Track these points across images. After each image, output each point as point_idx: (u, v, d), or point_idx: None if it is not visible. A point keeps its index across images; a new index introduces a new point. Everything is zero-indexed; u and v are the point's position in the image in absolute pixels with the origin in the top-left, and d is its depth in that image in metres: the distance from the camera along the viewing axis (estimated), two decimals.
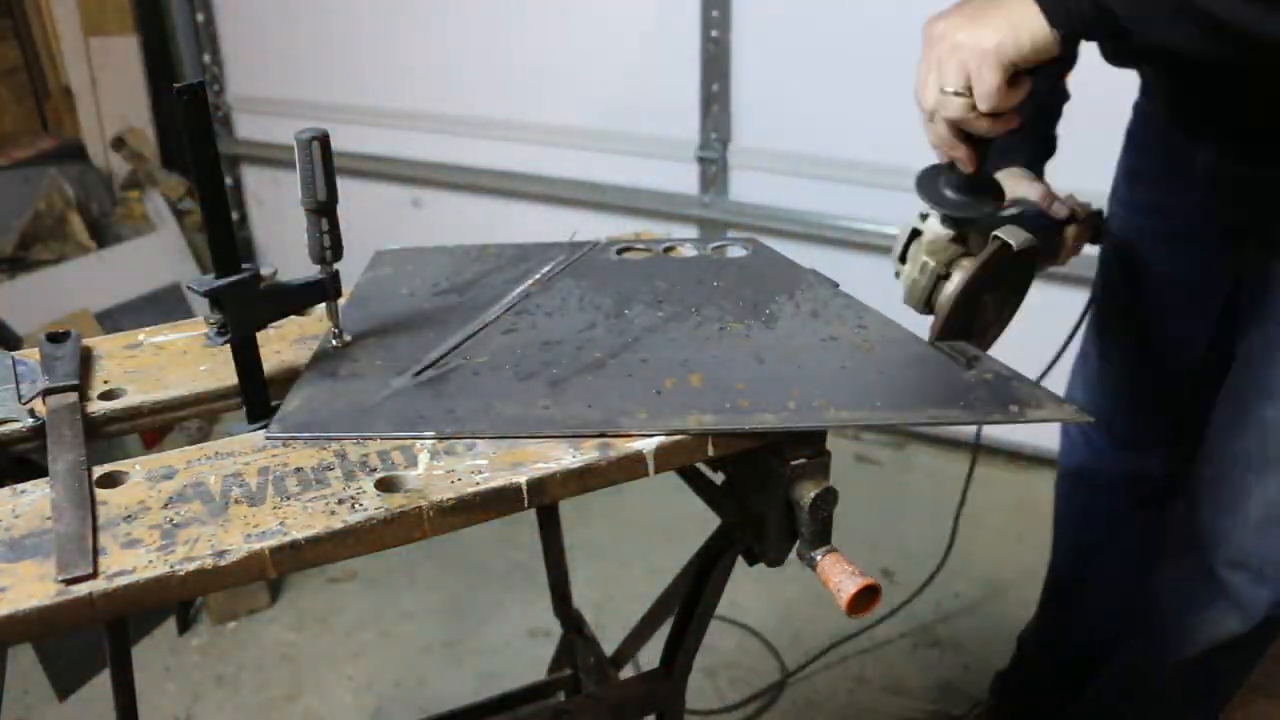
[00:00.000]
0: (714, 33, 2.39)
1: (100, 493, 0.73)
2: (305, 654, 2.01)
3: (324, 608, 2.12)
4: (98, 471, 0.75)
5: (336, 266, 0.89)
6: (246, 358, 0.84)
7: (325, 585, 2.18)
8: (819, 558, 0.80)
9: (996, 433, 2.54)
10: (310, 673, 1.96)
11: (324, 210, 0.86)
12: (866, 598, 0.76)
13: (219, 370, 0.92)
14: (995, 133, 0.93)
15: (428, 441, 0.79)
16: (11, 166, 2.86)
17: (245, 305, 0.82)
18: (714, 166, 2.54)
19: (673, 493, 1.19)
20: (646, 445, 0.78)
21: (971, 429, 2.49)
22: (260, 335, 0.85)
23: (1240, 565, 1.24)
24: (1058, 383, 1.37)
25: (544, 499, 0.76)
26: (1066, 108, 1.30)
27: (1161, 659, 1.36)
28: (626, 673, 1.32)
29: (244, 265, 0.82)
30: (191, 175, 0.78)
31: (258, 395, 0.85)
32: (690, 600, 1.07)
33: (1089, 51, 1.12)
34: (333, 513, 0.70)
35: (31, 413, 0.84)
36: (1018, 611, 2.07)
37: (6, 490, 0.74)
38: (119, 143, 3.13)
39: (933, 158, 1.05)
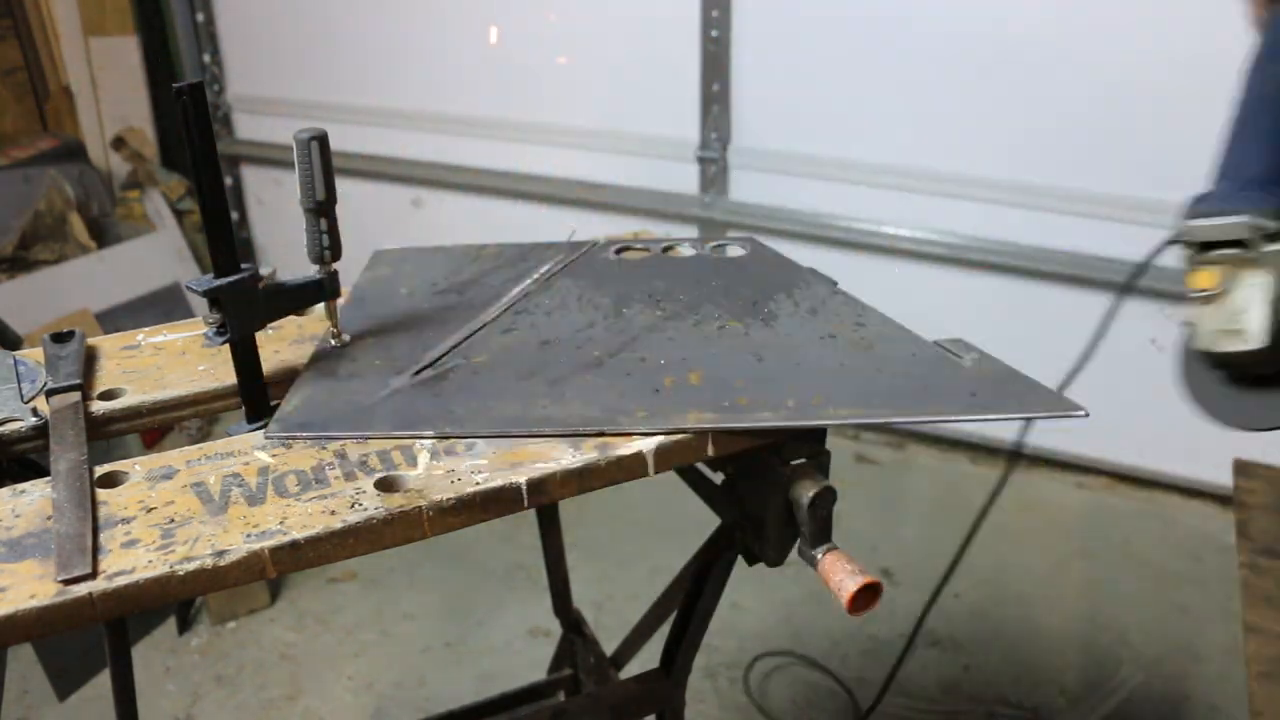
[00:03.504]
0: (714, 33, 2.39)
1: (100, 493, 0.73)
2: (305, 654, 2.01)
3: (324, 608, 2.12)
4: (98, 471, 0.75)
5: (335, 266, 0.90)
6: (246, 358, 0.84)
7: (325, 585, 2.18)
8: (820, 556, 0.80)
9: (996, 431, 2.54)
10: (310, 673, 1.96)
11: (323, 210, 0.86)
12: (868, 596, 0.76)
13: (218, 370, 0.92)
14: None
15: (428, 441, 0.79)
16: (11, 166, 2.86)
17: (244, 305, 0.82)
18: (714, 166, 2.54)
19: (673, 493, 1.19)
20: (646, 445, 0.78)
21: (987, 430, 2.49)
22: (259, 335, 0.85)
23: None
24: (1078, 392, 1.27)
25: (544, 499, 0.76)
26: None
27: None
28: (627, 673, 1.32)
29: (243, 265, 0.82)
30: (191, 175, 0.78)
31: (257, 395, 0.85)
32: (690, 600, 1.07)
33: None
34: (333, 513, 0.70)
35: (34, 412, 0.84)
36: (1018, 611, 2.07)
37: (7, 490, 0.74)
38: (119, 143, 3.13)
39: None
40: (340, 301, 0.92)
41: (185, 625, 2.07)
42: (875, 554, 2.22)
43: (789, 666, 1.94)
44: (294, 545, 0.68)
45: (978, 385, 0.84)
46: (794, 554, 0.86)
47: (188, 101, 0.75)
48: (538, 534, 1.44)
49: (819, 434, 0.83)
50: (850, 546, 0.82)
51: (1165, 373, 2.55)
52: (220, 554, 0.66)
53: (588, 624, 1.49)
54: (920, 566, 2.16)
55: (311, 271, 0.89)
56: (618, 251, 1.16)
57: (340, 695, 1.90)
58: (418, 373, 0.89)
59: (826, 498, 0.80)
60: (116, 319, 2.79)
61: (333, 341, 0.94)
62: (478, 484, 0.73)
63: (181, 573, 0.65)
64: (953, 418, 0.80)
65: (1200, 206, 0.80)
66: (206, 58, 3.08)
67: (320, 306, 0.92)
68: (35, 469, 0.85)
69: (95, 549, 0.66)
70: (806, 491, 0.80)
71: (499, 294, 1.05)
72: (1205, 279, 0.79)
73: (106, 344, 0.98)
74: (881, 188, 2.38)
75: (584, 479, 0.76)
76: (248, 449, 0.78)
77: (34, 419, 0.84)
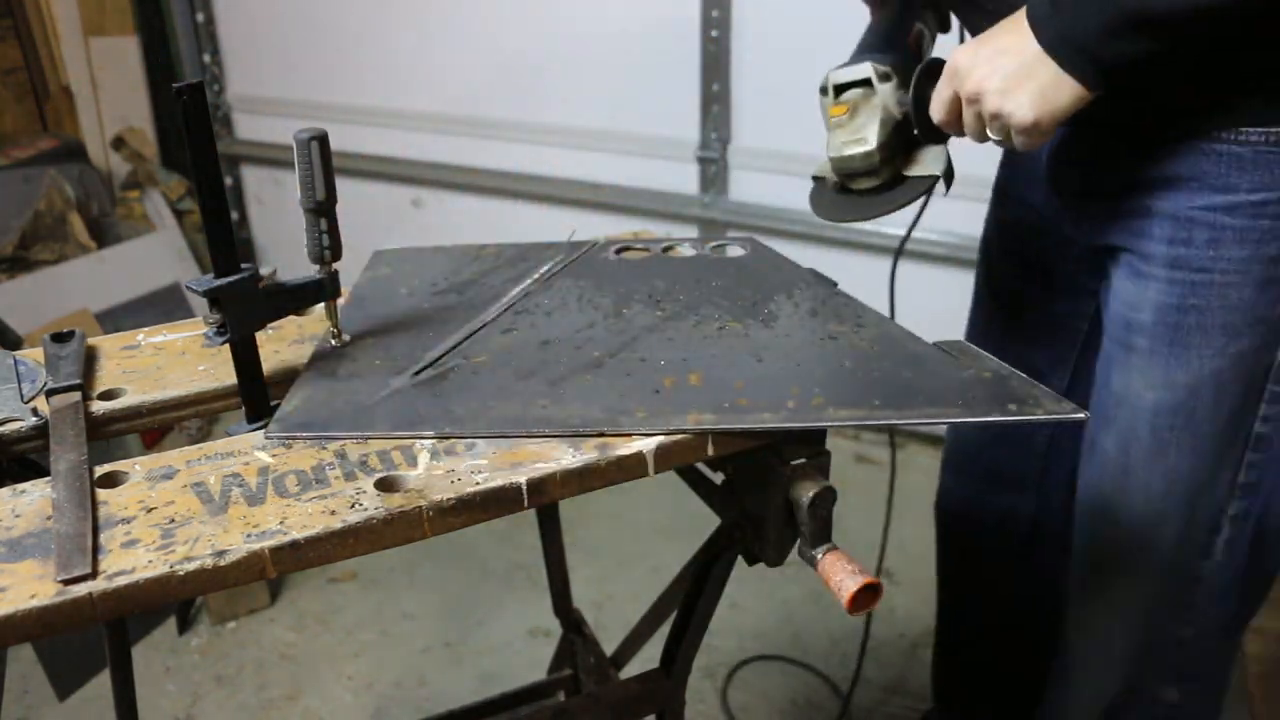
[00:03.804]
0: (714, 33, 2.39)
1: (100, 493, 0.73)
2: (305, 654, 2.01)
3: (324, 608, 2.12)
4: (98, 471, 0.75)
5: (336, 266, 0.90)
6: (246, 358, 0.84)
7: (325, 585, 2.18)
8: (820, 556, 0.80)
9: None
10: (310, 673, 1.96)
11: (323, 210, 0.86)
12: (868, 596, 0.76)
13: (218, 370, 0.92)
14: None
15: (428, 441, 0.79)
16: (11, 166, 2.86)
17: (244, 305, 0.82)
18: (714, 166, 2.54)
19: (673, 493, 1.19)
20: (646, 445, 0.78)
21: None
22: (259, 335, 0.85)
23: (1085, 630, 1.24)
24: None
25: (544, 499, 0.76)
26: None
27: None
28: (627, 673, 1.32)
29: (243, 265, 0.82)
30: (191, 175, 0.78)
31: (257, 395, 0.85)
32: (690, 600, 1.07)
33: None
34: (333, 513, 0.70)
35: (34, 412, 0.84)
36: None
37: (7, 490, 0.74)
38: (119, 143, 3.13)
39: None
40: (340, 301, 0.92)
41: (185, 625, 2.07)
42: (875, 554, 2.22)
43: (782, 667, 1.94)
44: (294, 545, 0.68)
45: (977, 386, 0.84)
46: (794, 554, 0.86)
47: (188, 101, 0.75)
48: (538, 534, 1.44)
49: (819, 435, 0.83)
50: (850, 546, 0.82)
51: None
52: (220, 554, 0.66)
53: (588, 624, 1.49)
54: (920, 566, 2.16)
55: (311, 271, 0.89)
56: (618, 251, 1.16)
57: (340, 695, 1.90)
58: (418, 373, 0.89)
59: (826, 498, 0.80)
60: (116, 319, 2.79)
61: (333, 341, 0.94)
62: (478, 484, 0.73)
63: (181, 573, 0.65)
64: (953, 419, 0.81)
65: (838, 66, 1.10)
66: (206, 58, 3.08)
67: (320, 306, 0.92)
68: (35, 469, 0.85)
69: (95, 549, 0.66)
70: (806, 492, 0.80)
71: (499, 294, 1.05)
72: (839, 110, 1.08)
73: (106, 344, 0.98)
74: None
75: (584, 479, 0.76)
76: (248, 449, 0.78)
77: (34, 419, 0.84)
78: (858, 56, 1.10)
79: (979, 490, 1.49)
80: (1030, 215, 1.23)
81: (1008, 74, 0.91)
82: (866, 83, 1.07)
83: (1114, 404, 1.12)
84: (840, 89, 1.09)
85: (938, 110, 1.00)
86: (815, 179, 1.19)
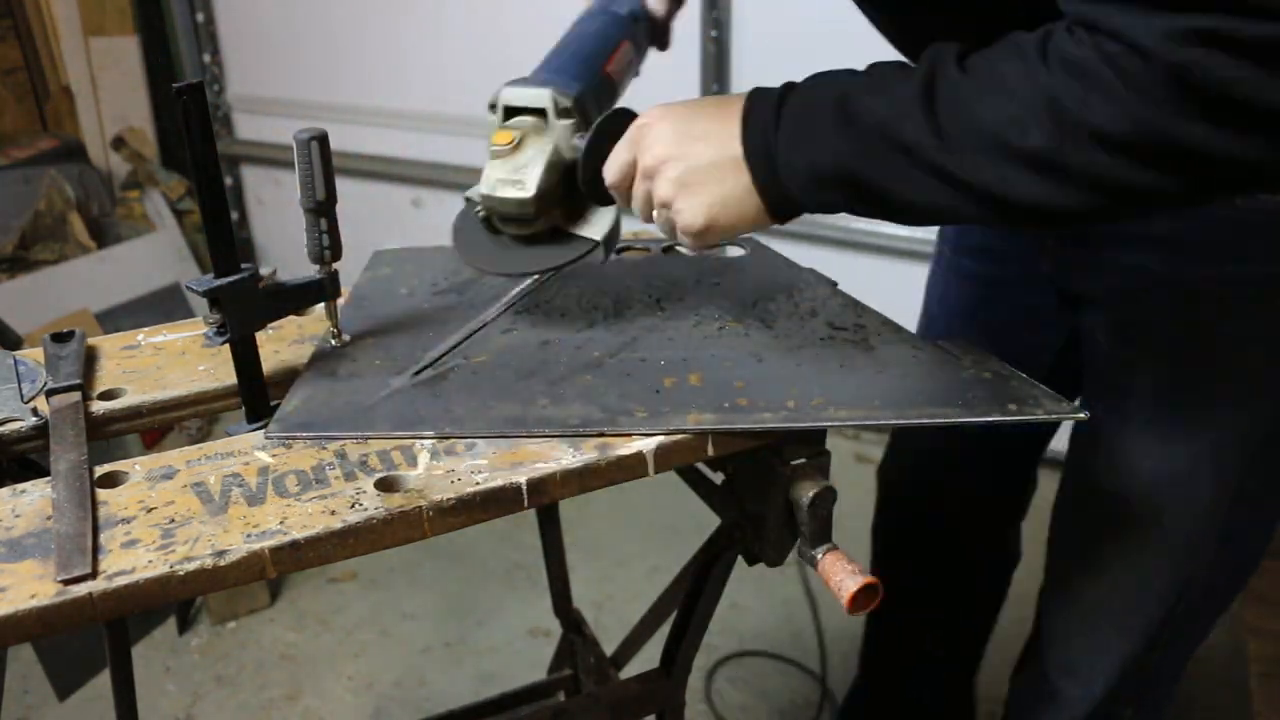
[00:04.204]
0: (714, 33, 2.39)
1: (100, 493, 0.73)
2: (305, 654, 2.01)
3: (324, 608, 2.12)
4: (98, 471, 0.75)
5: (336, 266, 0.90)
6: (245, 358, 0.84)
7: (325, 585, 2.18)
8: (820, 556, 0.80)
9: None
10: (310, 673, 1.96)
11: (323, 210, 0.86)
12: (868, 595, 0.76)
13: (218, 370, 0.92)
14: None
15: (428, 441, 0.79)
16: (11, 166, 2.86)
17: (244, 305, 0.82)
18: None
19: (673, 493, 1.19)
20: (646, 445, 0.78)
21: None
22: (259, 335, 0.85)
23: (1069, 671, 1.22)
24: None
25: (544, 499, 0.76)
26: None
27: None
28: (627, 673, 1.32)
29: (243, 265, 0.82)
30: (191, 175, 0.78)
31: (257, 395, 0.85)
32: (690, 600, 1.07)
33: None
34: (333, 513, 0.70)
35: (34, 412, 0.84)
36: (1017, 611, 2.07)
37: (7, 490, 0.74)
38: (119, 143, 3.13)
39: None
40: (340, 301, 0.92)
41: (185, 625, 2.07)
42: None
43: (776, 664, 1.94)
44: (294, 545, 0.68)
45: (977, 387, 0.84)
46: (794, 554, 0.86)
47: (188, 101, 0.75)
48: (538, 534, 1.44)
49: (819, 435, 0.83)
50: (850, 546, 0.82)
51: None
52: (220, 554, 0.66)
53: (588, 624, 1.49)
54: None
55: (311, 271, 0.89)
56: (618, 251, 1.16)
57: (340, 695, 1.90)
58: (418, 373, 0.89)
59: (826, 498, 0.81)
60: (116, 319, 2.79)
61: (333, 341, 0.94)
62: (478, 484, 0.73)
63: (181, 573, 0.65)
64: (952, 419, 0.81)
65: (515, 81, 0.95)
66: (206, 58, 3.08)
67: (320, 306, 0.92)
68: (35, 469, 0.85)
69: (95, 549, 0.66)
70: (806, 491, 0.80)
71: (499, 294, 1.05)
72: (503, 137, 0.93)
73: (106, 344, 0.98)
74: None
75: (584, 479, 0.76)
76: (248, 449, 0.78)
77: (34, 419, 0.84)
78: (545, 76, 0.94)
79: (923, 465, 1.47)
80: (994, 241, 1.15)
81: (695, 165, 0.80)
82: (542, 112, 0.92)
83: (1103, 465, 1.07)
84: (511, 111, 0.94)
85: (610, 173, 0.87)
86: (467, 199, 1.00)
